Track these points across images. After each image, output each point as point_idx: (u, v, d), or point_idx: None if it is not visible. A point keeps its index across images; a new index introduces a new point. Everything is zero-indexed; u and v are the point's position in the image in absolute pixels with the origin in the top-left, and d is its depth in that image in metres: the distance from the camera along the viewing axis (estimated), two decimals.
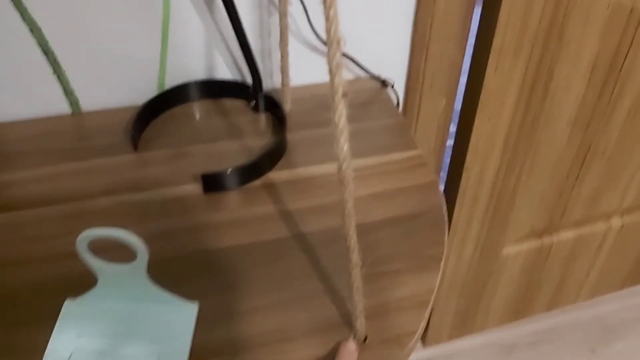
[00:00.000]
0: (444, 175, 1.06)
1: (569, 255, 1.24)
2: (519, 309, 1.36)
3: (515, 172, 1.00)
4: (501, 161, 0.97)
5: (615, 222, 1.20)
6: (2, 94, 0.70)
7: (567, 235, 1.18)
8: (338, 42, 0.43)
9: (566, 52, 0.84)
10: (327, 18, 0.43)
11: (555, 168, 1.02)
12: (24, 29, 0.66)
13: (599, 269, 1.33)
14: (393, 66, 0.83)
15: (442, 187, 1.07)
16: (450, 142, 0.98)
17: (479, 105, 0.87)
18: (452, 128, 0.96)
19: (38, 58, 0.68)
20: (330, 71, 0.44)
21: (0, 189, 0.62)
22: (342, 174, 0.48)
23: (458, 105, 0.93)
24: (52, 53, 0.68)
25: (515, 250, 1.17)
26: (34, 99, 0.72)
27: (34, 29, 0.66)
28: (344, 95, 0.46)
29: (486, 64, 0.82)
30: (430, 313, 1.13)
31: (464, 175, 0.97)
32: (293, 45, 0.76)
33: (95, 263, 0.47)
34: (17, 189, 0.62)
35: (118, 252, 0.43)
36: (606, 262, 1.31)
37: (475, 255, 1.14)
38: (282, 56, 0.70)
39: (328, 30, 0.43)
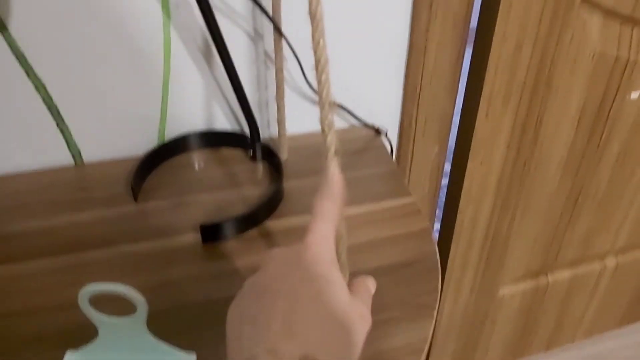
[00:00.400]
0: (440, 213, 1.07)
1: (565, 295, 1.25)
2: (517, 349, 1.36)
3: (508, 214, 1.02)
4: (494, 204, 0.99)
5: (610, 261, 1.22)
6: (7, 147, 0.73)
7: (563, 275, 1.19)
8: (330, 105, 0.46)
9: (554, 99, 0.87)
10: (319, 82, 0.45)
11: (548, 210, 1.04)
12: (29, 85, 0.68)
13: (596, 308, 1.33)
14: (386, 114, 0.86)
15: (438, 226, 1.09)
16: (445, 181, 1.00)
17: (471, 150, 0.89)
18: (447, 167, 0.98)
19: (43, 112, 0.71)
20: (323, 131, 0.47)
21: (4, 241, 0.64)
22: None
23: (452, 143, 0.95)
24: (56, 108, 0.71)
25: (511, 290, 1.17)
26: (38, 151, 0.74)
27: (39, 86, 0.69)
28: (336, 153, 0.48)
29: (477, 111, 0.85)
30: (428, 354, 1.13)
31: (459, 217, 0.99)
32: (289, 96, 0.78)
33: (96, 316, 0.48)
34: (21, 240, 0.64)
35: (118, 303, 0.44)
36: (602, 301, 1.32)
37: (472, 296, 1.15)
38: (278, 108, 0.73)
39: (320, 93, 0.46)
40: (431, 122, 0.87)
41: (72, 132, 0.74)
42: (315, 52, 0.44)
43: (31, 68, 0.67)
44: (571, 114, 0.90)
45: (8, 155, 0.73)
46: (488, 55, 0.80)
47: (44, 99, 0.70)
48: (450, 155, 0.97)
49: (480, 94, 0.83)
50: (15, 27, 0.64)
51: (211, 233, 0.64)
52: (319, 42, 0.44)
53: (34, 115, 0.71)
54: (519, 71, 0.82)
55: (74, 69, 0.69)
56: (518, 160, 0.94)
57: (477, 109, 0.85)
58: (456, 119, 0.92)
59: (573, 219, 1.08)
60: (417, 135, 0.88)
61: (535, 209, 1.03)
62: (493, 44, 0.78)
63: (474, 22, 0.82)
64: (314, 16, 0.43)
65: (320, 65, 0.45)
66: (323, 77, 0.45)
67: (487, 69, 0.80)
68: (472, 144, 0.89)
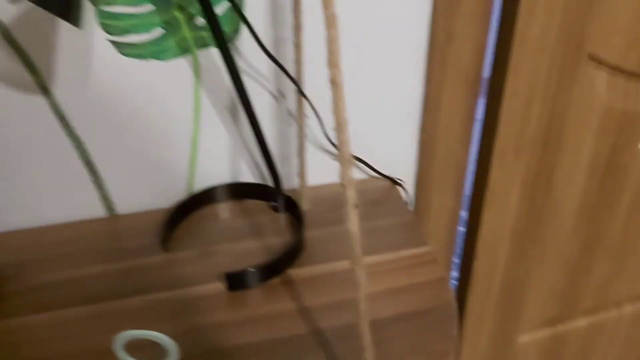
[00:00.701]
0: (457, 261, 1.09)
1: (585, 343, 1.24)
2: None
3: (524, 262, 1.04)
4: (510, 252, 1.01)
5: (627, 309, 1.22)
6: (46, 200, 0.77)
7: (581, 323, 1.19)
8: (349, 162, 0.49)
9: (565, 151, 0.90)
10: (339, 141, 0.49)
11: (563, 258, 1.06)
12: (68, 143, 0.74)
13: (617, 356, 1.32)
14: (403, 165, 0.89)
15: (455, 274, 1.11)
16: (462, 229, 1.02)
17: (486, 199, 0.92)
18: (465, 214, 1.00)
19: (79, 168, 0.76)
20: (343, 186, 0.50)
21: (41, 290, 0.68)
22: (356, 278, 0.52)
23: (469, 191, 0.98)
24: (92, 164, 0.76)
25: (529, 339, 1.18)
26: (74, 204, 0.79)
27: (78, 144, 0.74)
28: (356, 206, 0.51)
29: (490, 162, 0.88)
30: None
31: (475, 265, 1.01)
32: (309, 150, 0.83)
33: None
34: (57, 289, 0.68)
35: (150, 349, 0.47)
36: (623, 348, 1.31)
37: (490, 344, 1.15)
38: (299, 161, 0.77)
39: (340, 151, 0.49)
40: (446, 172, 0.91)
41: (107, 186, 0.78)
42: (335, 114, 0.48)
43: (71, 127, 0.72)
44: (582, 164, 0.92)
45: (46, 208, 0.78)
46: (499, 110, 0.83)
47: (81, 156, 0.75)
48: (466, 203, 0.99)
49: (493, 145, 0.87)
50: (58, 90, 0.70)
51: (236, 281, 0.67)
52: (339, 106, 0.48)
53: (71, 170, 0.76)
54: (530, 124, 0.86)
55: (110, 128, 0.74)
56: (532, 210, 0.96)
57: (491, 160, 0.88)
58: (472, 166, 0.95)
59: (589, 266, 1.09)
60: (433, 185, 0.91)
61: (551, 257, 1.04)
62: (504, 100, 0.82)
63: (487, 71, 0.86)
64: (334, 83, 0.47)
65: (340, 126, 0.49)
66: (342, 136, 0.49)
67: (499, 122, 0.84)
68: (487, 193, 0.92)
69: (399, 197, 0.84)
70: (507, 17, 0.80)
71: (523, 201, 0.94)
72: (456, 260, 1.09)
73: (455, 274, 1.13)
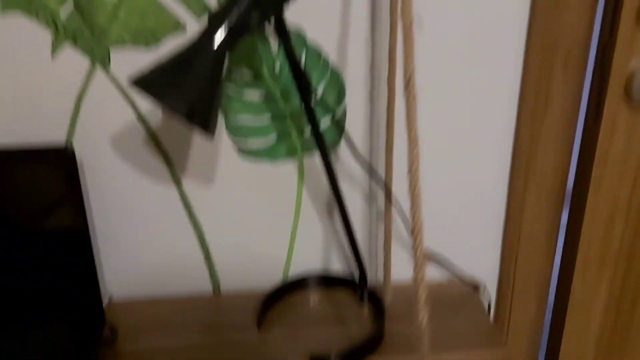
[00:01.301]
0: None
1: None
2: None
3: None
4: None
5: None
6: (165, 276, 0.90)
7: None
8: (422, 262, 0.57)
9: None
10: (414, 244, 0.57)
11: None
12: (189, 226, 0.86)
13: None
14: (485, 269, 0.94)
15: None
16: (544, 338, 1.02)
17: (569, 311, 0.94)
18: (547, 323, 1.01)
19: (195, 248, 0.88)
20: (415, 284, 0.57)
21: (152, 353, 0.78)
22: None
23: (552, 300, 0.99)
24: (206, 245, 0.88)
25: None
26: (186, 280, 0.91)
27: (197, 227, 0.87)
28: (427, 302, 0.58)
29: (573, 274, 0.91)
30: None
31: None
32: (395, 248, 0.90)
33: None
34: (164, 354, 0.77)
35: None
36: None
37: None
38: (385, 258, 0.84)
39: (414, 253, 0.57)
40: (529, 280, 0.94)
41: (216, 266, 0.90)
42: (412, 219, 0.56)
43: (193, 214, 0.86)
44: None
45: (163, 283, 0.90)
46: (582, 223, 0.87)
47: (198, 238, 0.87)
48: (549, 313, 1.01)
49: (576, 256, 0.89)
50: (187, 182, 0.84)
51: None
52: (415, 212, 0.56)
53: (188, 250, 0.88)
54: (614, 239, 0.88)
55: (224, 215, 0.86)
56: (618, 322, 0.95)
57: (574, 271, 0.90)
58: (555, 275, 0.97)
59: None
60: (515, 293, 0.94)
61: None
62: (586, 214, 0.86)
63: (571, 183, 0.90)
64: (413, 192, 0.55)
65: (415, 231, 0.56)
66: (417, 239, 0.56)
67: (582, 235, 0.87)
68: (570, 305, 0.93)
69: (479, 301, 0.88)
70: (588, 136, 0.85)
71: (608, 313, 0.94)
72: None
73: None
